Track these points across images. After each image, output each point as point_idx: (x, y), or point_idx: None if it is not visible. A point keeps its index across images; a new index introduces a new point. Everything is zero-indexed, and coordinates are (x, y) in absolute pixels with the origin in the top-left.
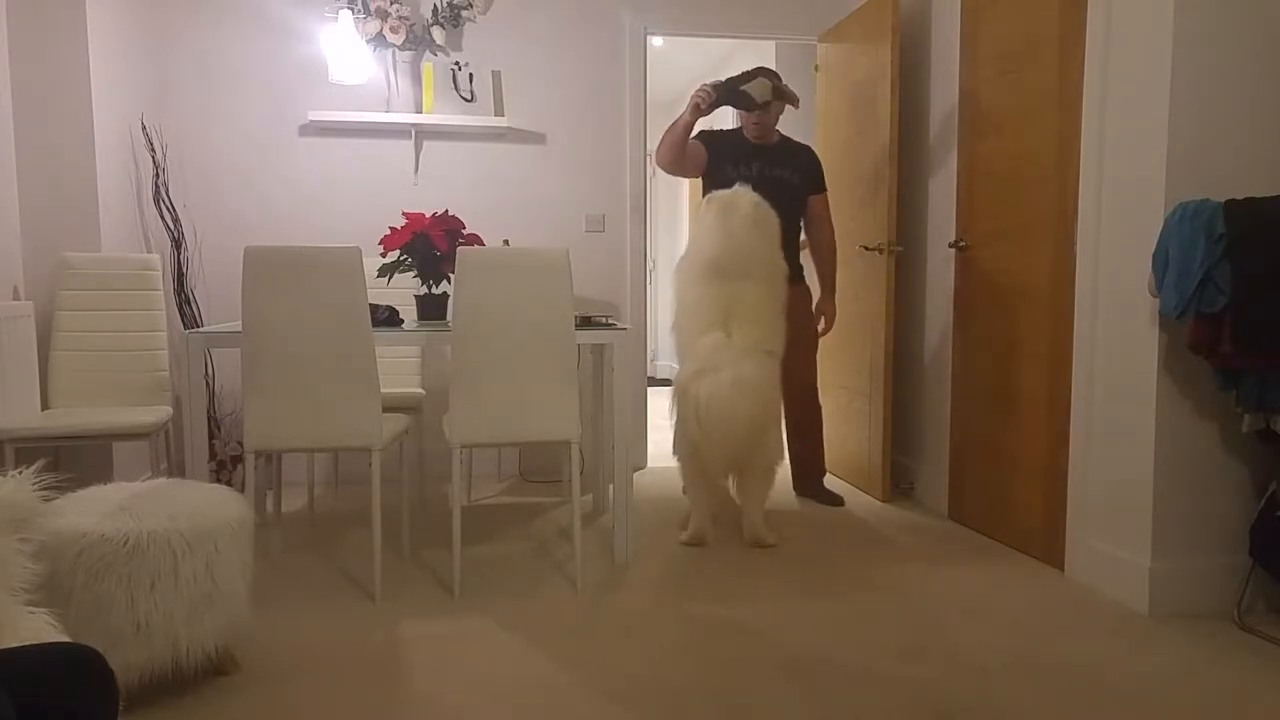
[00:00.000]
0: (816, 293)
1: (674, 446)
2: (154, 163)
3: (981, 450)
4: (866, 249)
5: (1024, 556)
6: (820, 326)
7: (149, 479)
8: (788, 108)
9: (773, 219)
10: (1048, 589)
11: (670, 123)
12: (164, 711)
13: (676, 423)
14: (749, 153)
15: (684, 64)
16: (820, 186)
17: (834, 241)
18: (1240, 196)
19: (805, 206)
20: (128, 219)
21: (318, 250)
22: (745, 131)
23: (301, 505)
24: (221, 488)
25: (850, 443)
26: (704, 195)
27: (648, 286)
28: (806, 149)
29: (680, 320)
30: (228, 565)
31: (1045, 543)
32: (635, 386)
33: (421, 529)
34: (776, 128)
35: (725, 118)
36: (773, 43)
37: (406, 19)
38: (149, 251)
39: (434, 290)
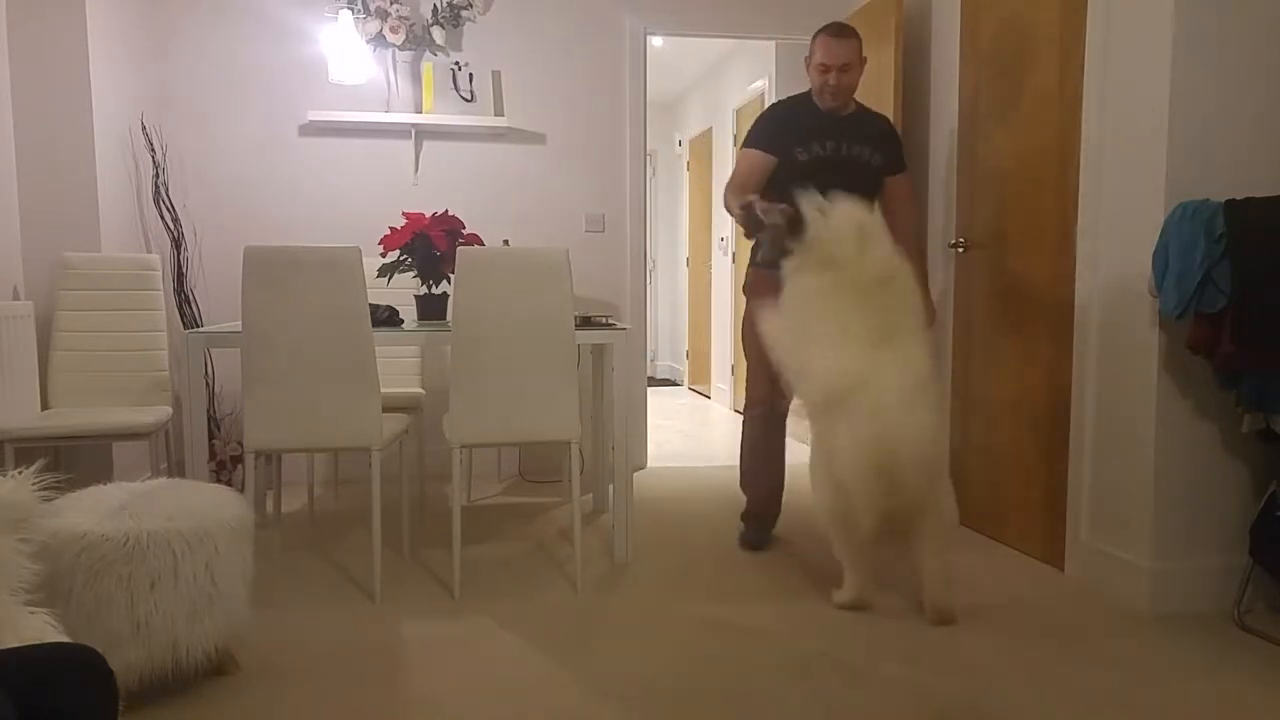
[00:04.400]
0: None
1: (818, 500)
2: (154, 163)
3: (981, 451)
4: None
5: (1024, 556)
6: None
7: (149, 479)
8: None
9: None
10: (1048, 589)
11: (733, 186)
12: (164, 711)
13: (822, 474)
14: (821, 127)
15: (684, 64)
16: (901, 165)
17: (917, 229)
18: (1240, 196)
19: (882, 190)
20: (128, 219)
21: (318, 250)
22: (817, 98)
23: (301, 505)
24: (221, 488)
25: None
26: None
27: (648, 286)
28: (884, 120)
29: (800, 330)
30: (228, 565)
31: (1045, 543)
32: (635, 386)
33: (421, 529)
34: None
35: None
36: (773, 43)
37: (406, 19)
38: (149, 251)
39: (434, 290)
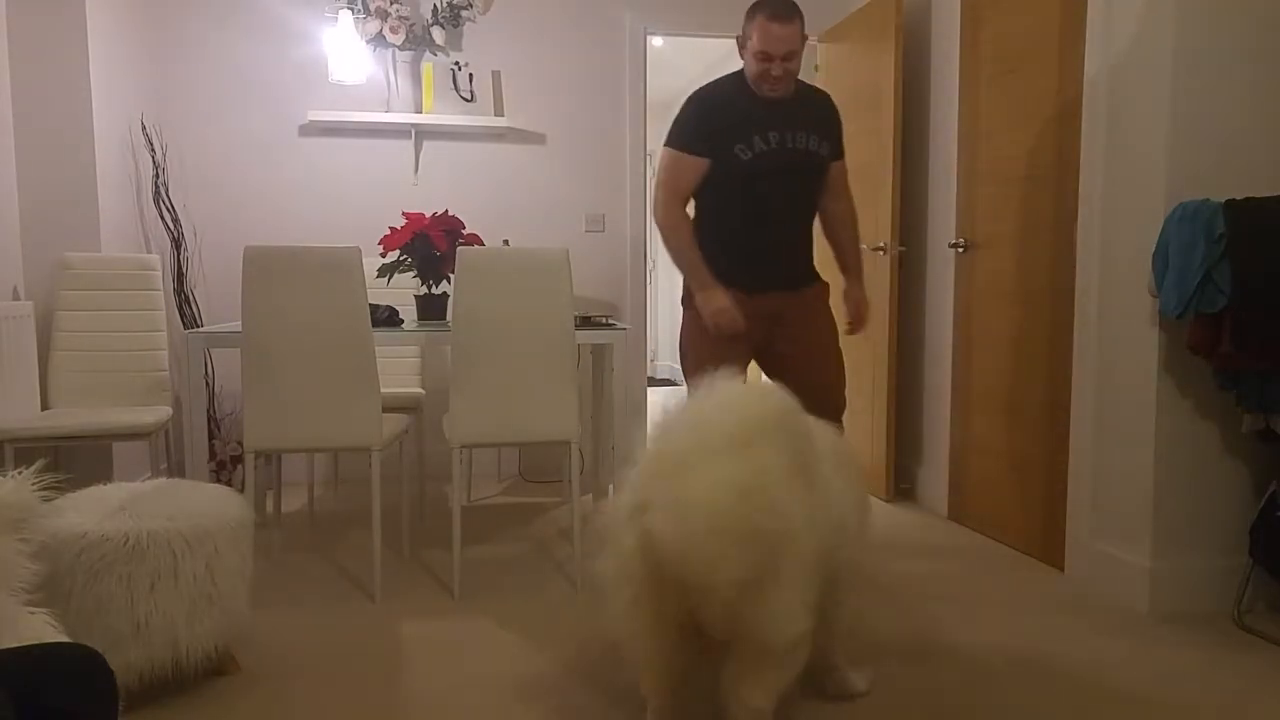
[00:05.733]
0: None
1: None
2: (154, 163)
3: (981, 450)
4: (869, 249)
5: (1024, 556)
6: (849, 320)
7: (149, 479)
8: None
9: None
10: (1048, 589)
11: (672, 231)
12: (164, 711)
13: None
14: (762, 116)
15: (684, 64)
16: (841, 151)
17: (856, 213)
18: (1240, 196)
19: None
20: (128, 219)
21: (318, 250)
22: (755, 85)
23: (301, 505)
24: (221, 488)
25: (851, 442)
26: (698, 194)
27: (648, 286)
28: (824, 98)
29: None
30: (228, 565)
31: (1045, 543)
32: (635, 386)
33: (421, 529)
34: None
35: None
36: None
37: (406, 19)
38: (149, 251)
39: (434, 290)
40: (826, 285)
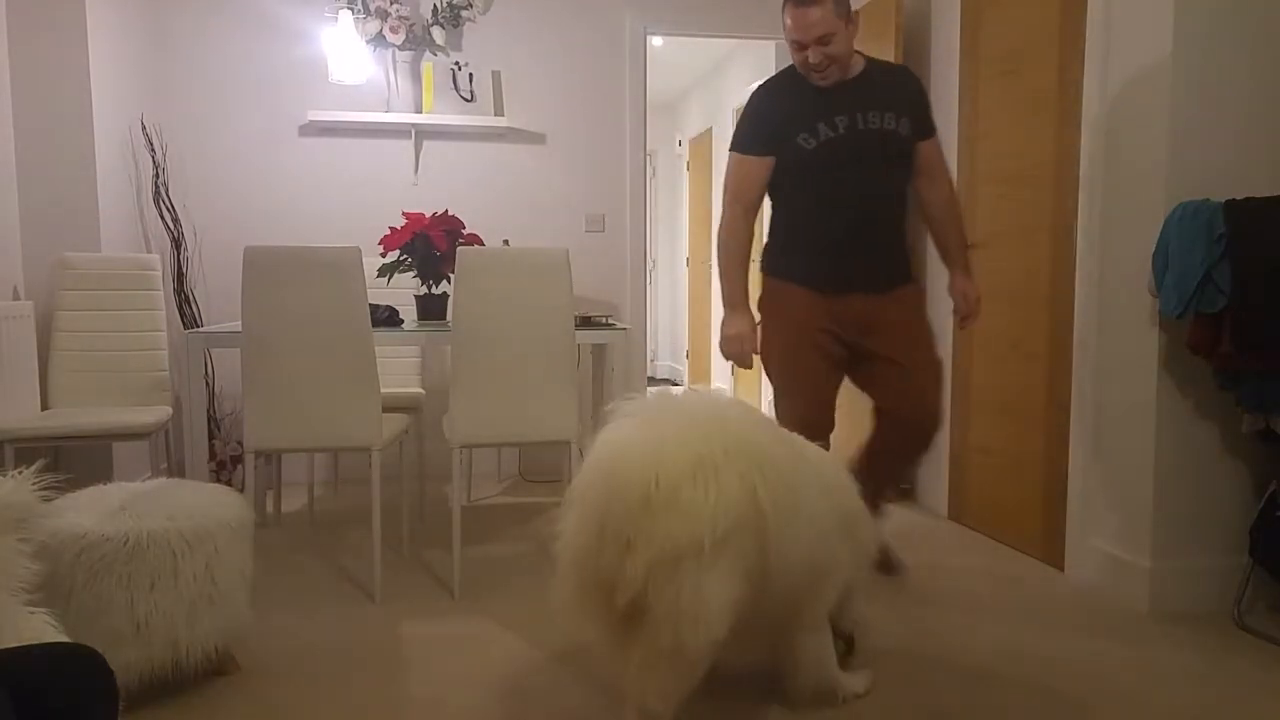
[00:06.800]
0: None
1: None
2: (154, 163)
3: (981, 450)
4: None
5: (1024, 556)
6: (958, 315)
7: (149, 479)
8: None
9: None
10: (1048, 589)
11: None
12: (164, 711)
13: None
14: (826, 101)
15: (684, 64)
16: (932, 127)
17: (956, 197)
18: (1240, 196)
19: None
20: (128, 219)
21: (318, 250)
22: (806, 76)
23: (301, 505)
24: (221, 488)
25: (852, 443)
26: (772, 191)
27: (648, 286)
28: (904, 72)
29: None
30: (228, 565)
31: (1045, 543)
32: (635, 386)
33: (421, 529)
34: (856, 49)
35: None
36: (773, 43)
37: (406, 19)
38: (149, 251)
39: (434, 290)
40: (922, 288)
